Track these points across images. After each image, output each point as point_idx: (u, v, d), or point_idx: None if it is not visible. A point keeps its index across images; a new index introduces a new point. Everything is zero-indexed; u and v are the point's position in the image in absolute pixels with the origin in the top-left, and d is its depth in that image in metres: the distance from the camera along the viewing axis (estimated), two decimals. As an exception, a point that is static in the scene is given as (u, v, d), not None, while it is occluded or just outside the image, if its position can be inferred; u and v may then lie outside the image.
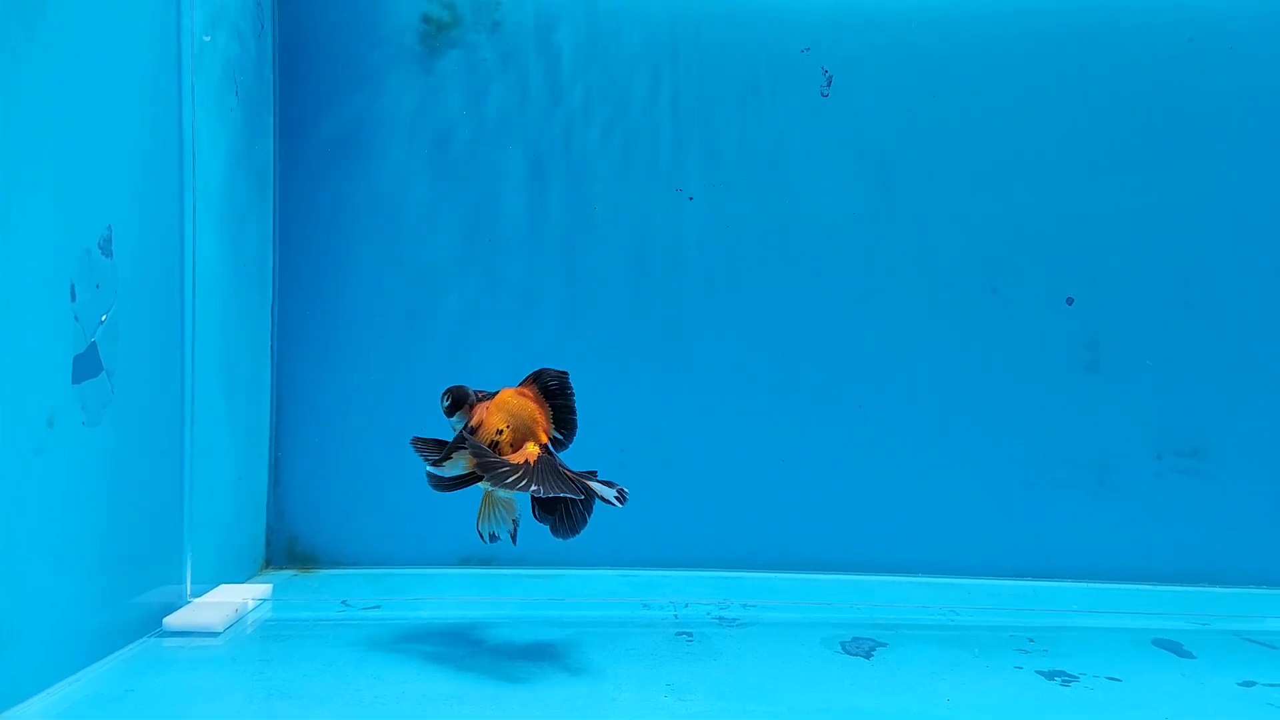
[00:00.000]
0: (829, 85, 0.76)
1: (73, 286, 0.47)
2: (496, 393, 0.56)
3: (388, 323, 0.75)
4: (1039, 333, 0.77)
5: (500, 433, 0.54)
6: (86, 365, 0.48)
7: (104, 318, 0.50)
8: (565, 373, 0.56)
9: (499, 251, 0.75)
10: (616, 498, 0.50)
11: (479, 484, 0.54)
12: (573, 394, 0.55)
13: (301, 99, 0.74)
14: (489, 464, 0.51)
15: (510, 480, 0.50)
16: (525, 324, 0.75)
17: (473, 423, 0.55)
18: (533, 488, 0.49)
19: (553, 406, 0.55)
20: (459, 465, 0.54)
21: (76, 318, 0.47)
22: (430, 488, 0.54)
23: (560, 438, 0.55)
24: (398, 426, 0.74)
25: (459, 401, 0.55)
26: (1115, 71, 0.76)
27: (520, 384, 0.56)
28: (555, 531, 0.53)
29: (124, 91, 0.52)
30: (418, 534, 0.75)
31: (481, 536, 0.55)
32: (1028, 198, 0.77)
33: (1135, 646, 0.58)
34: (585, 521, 0.53)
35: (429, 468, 0.54)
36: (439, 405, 0.55)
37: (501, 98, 0.75)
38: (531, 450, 0.53)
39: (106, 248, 0.50)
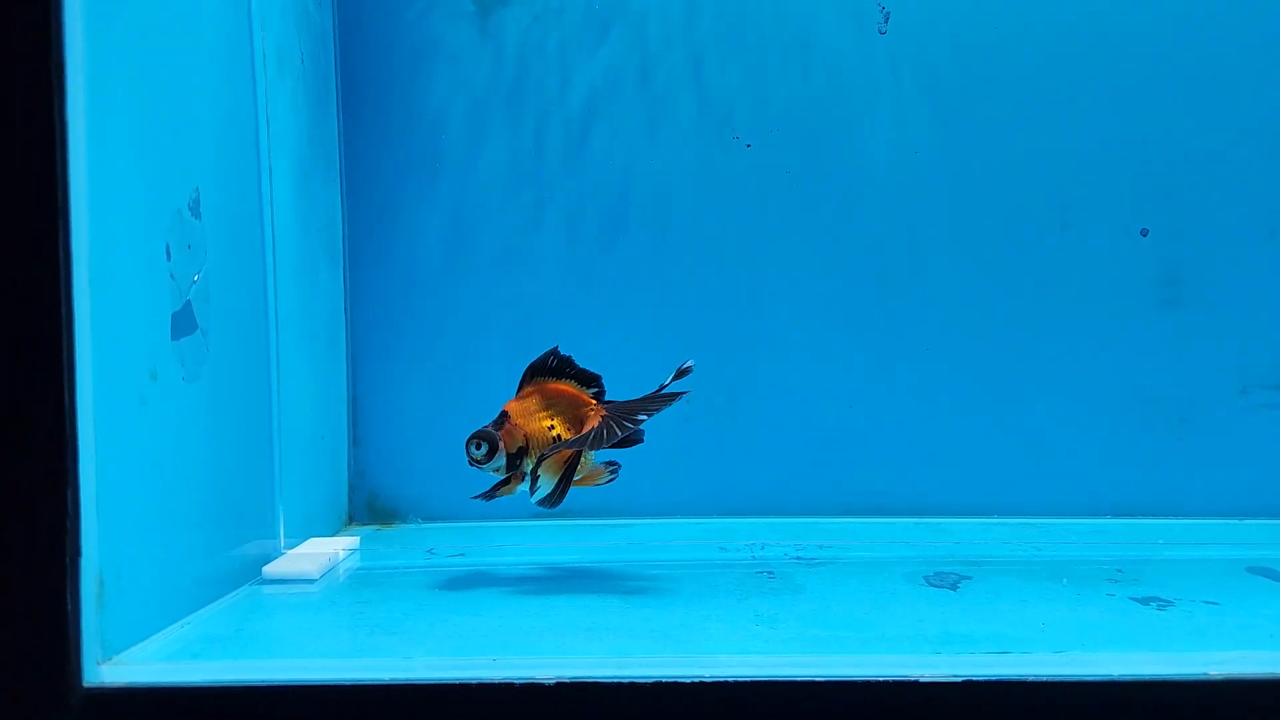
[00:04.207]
0: (886, 22, 0.75)
1: (167, 246, 0.49)
2: (505, 412, 0.55)
3: (456, 281, 0.76)
4: (1114, 267, 0.75)
5: (553, 428, 0.55)
6: (183, 323, 0.50)
7: (196, 277, 0.51)
8: (554, 350, 0.56)
9: (564, 205, 0.76)
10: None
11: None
12: (572, 358, 0.56)
13: (361, 64, 0.76)
14: (592, 441, 0.53)
15: (606, 437, 0.53)
16: (593, 274, 0.76)
17: (518, 445, 0.54)
18: (640, 417, 0.53)
19: (570, 377, 0.56)
20: (549, 480, 0.55)
21: (172, 276, 0.49)
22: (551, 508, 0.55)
23: (597, 390, 0.57)
24: (469, 384, 0.76)
25: (494, 443, 0.54)
26: (1189, -12, 0.73)
27: (520, 393, 0.56)
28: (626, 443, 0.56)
29: (202, 56, 0.54)
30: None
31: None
32: (1097, 127, 0.74)
33: (1229, 574, 0.57)
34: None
35: (541, 506, 0.55)
36: (467, 457, 0.54)
37: (556, 52, 0.75)
38: (593, 415, 0.55)
39: (195, 209, 0.52)
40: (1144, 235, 0.75)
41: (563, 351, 0.57)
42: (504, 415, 0.55)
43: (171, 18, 0.50)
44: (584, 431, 0.54)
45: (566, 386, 0.56)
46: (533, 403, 0.55)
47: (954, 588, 0.54)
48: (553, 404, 0.55)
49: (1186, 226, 0.74)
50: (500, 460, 0.54)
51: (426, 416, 0.76)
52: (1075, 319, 0.75)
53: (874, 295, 0.75)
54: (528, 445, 0.54)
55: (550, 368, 0.56)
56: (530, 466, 0.55)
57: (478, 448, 0.54)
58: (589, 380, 0.57)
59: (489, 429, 0.54)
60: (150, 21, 0.48)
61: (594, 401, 0.56)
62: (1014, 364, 0.75)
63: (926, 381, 0.75)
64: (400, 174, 0.76)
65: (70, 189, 0.40)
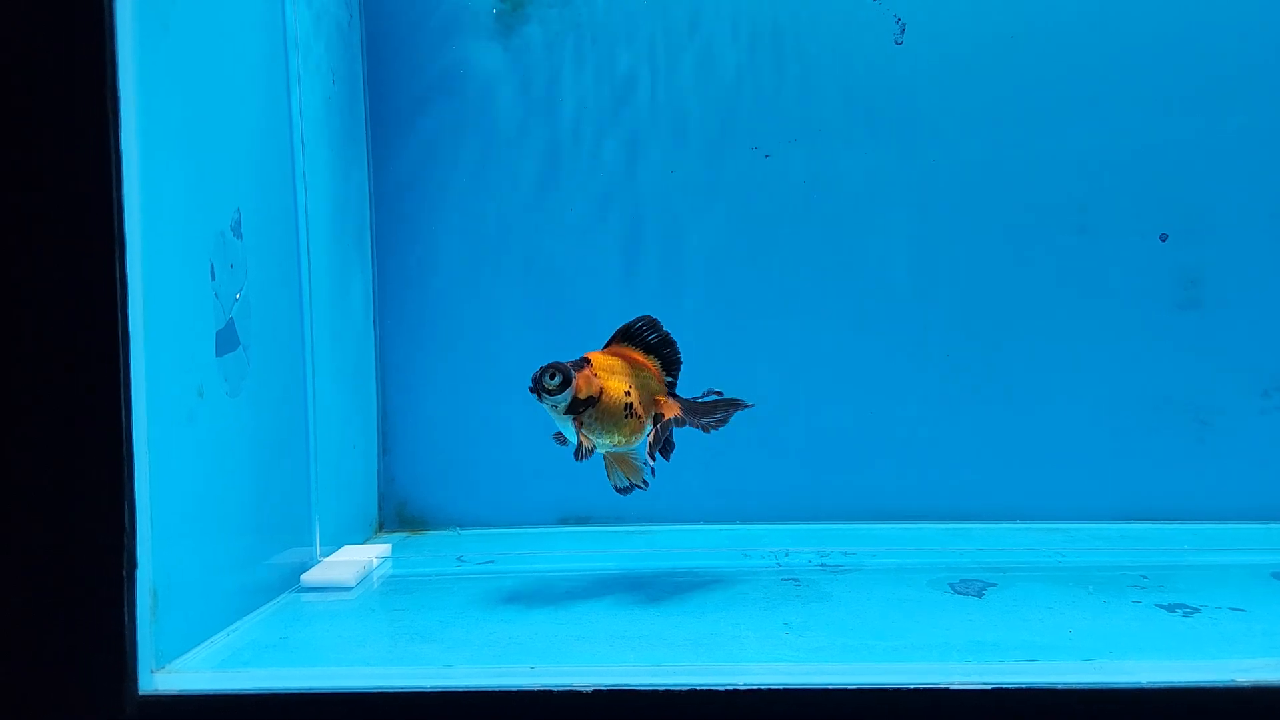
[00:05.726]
0: (903, 33, 0.76)
1: (212, 266, 0.50)
2: (587, 358, 0.55)
3: (483, 294, 0.77)
4: (1132, 270, 0.75)
5: (629, 394, 0.54)
6: (226, 340, 0.52)
7: (238, 295, 0.53)
8: (658, 321, 0.57)
9: (586, 212, 0.77)
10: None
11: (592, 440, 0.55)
12: (673, 340, 0.57)
13: (388, 84, 0.77)
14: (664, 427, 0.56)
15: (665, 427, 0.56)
16: (617, 284, 0.77)
17: (590, 394, 0.52)
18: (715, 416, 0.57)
19: (659, 356, 0.57)
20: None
21: (216, 295, 0.51)
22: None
23: (672, 379, 0.58)
24: (496, 393, 0.77)
25: (569, 377, 0.52)
26: (1207, -5, 0.74)
27: (609, 344, 0.56)
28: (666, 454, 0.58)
29: (242, 80, 0.55)
30: (518, 496, 0.77)
31: (617, 489, 0.57)
32: (1114, 131, 0.75)
33: (1255, 580, 0.57)
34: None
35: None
36: (534, 385, 0.52)
37: (576, 65, 0.77)
38: (669, 403, 0.56)
39: (237, 230, 0.53)
40: (1163, 240, 0.75)
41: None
42: (585, 361, 0.54)
43: (214, 44, 0.52)
44: (664, 415, 0.55)
45: (650, 364, 0.56)
46: (617, 363, 0.54)
47: (980, 595, 0.55)
48: (635, 373, 0.55)
49: (1205, 229, 0.75)
50: (565, 399, 0.52)
51: (454, 425, 0.77)
52: (1095, 323, 0.75)
53: (893, 300, 0.76)
54: (599, 398, 0.53)
55: (647, 342, 0.56)
56: (597, 426, 0.53)
57: (551, 377, 0.52)
58: (671, 365, 0.57)
59: (567, 364, 0.52)
60: (195, 50, 0.49)
61: (665, 389, 0.57)
62: (1034, 368, 0.76)
63: (947, 386, 0.76)
64: (428, 188, 0.78)
65: (125, 214, 0.42)
